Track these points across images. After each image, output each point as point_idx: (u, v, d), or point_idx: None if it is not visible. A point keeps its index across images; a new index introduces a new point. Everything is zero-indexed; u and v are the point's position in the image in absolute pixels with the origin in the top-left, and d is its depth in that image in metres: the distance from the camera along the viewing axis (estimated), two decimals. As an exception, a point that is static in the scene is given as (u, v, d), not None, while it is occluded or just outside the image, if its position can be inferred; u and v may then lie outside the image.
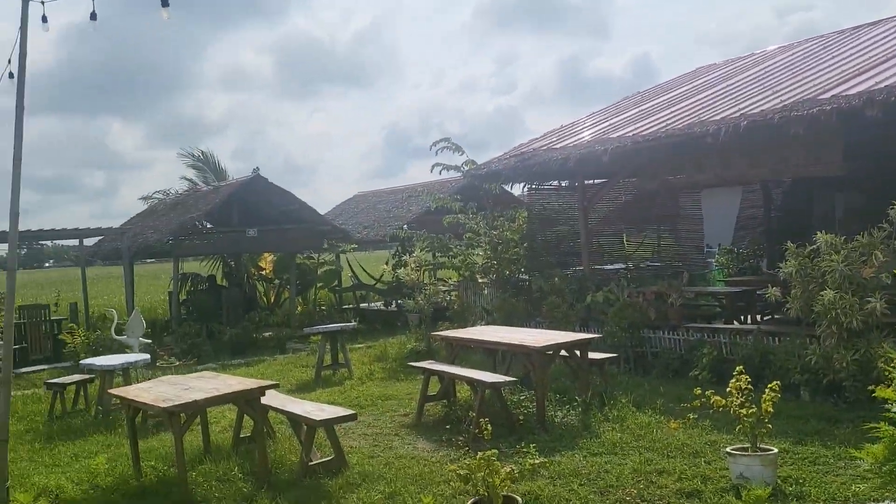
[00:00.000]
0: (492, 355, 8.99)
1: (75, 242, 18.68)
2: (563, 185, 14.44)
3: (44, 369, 13.17)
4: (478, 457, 4.64)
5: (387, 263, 17.08)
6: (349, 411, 6.53)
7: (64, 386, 9.33)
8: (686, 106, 11.30)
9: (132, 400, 6.19)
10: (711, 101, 10.93)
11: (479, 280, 14.30)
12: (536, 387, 7.43)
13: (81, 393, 9.71)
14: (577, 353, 7.86)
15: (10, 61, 5.42)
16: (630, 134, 10.59)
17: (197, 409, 6.03)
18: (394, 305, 18.65)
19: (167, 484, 6.23)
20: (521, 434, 6.97)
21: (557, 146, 11.99)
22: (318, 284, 20.28)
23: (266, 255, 20.20)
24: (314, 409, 6.47)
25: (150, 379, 9.27)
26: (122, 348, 11.82)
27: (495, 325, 11.24)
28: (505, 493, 4.64)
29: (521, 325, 10.60)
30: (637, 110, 12.53)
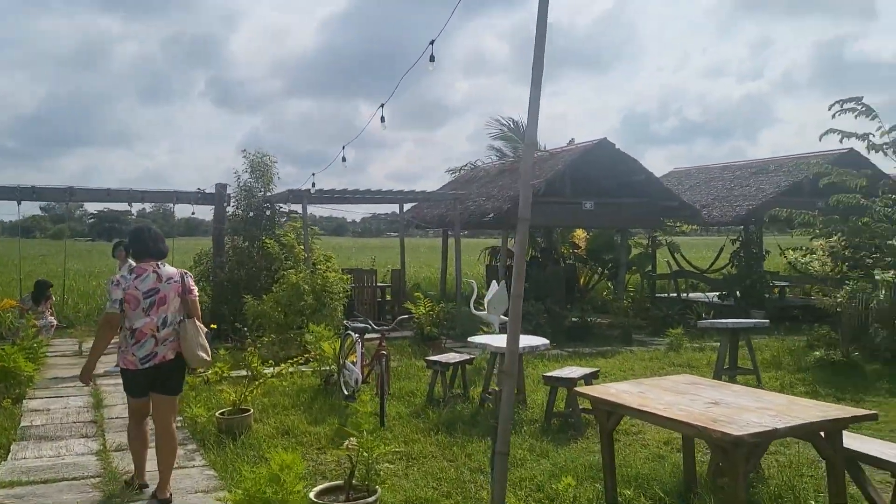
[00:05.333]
0: None
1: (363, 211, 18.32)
2: None
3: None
4: None
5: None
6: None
7: (448, 366, 8.11)
8: None
9: (636, 409, 4.47)
10: None
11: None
12: None
13: (459, 374, 8.48)
14: None
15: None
16: None
17: (768, 440, 4.20)
18: (730, 299, 16.15)
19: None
20: None
21: None
22: (631, 268, 18.30)
23: (579, 231, 18.52)
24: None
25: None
26: (474, 323, 10.61)
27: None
28: None
29: None
30: None
